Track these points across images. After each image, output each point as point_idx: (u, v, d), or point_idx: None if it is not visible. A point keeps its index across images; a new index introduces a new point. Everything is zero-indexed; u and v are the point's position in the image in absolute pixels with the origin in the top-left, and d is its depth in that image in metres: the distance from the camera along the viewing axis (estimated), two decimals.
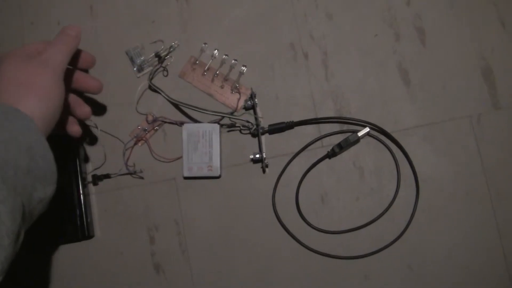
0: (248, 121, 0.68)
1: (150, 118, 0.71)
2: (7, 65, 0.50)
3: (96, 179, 0.70)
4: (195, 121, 0.70)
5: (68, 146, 0.68)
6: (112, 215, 0.71)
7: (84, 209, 0.69)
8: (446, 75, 0.70)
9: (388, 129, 0.68)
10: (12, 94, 0.48)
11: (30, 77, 0.49)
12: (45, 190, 0.46)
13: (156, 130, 0.71)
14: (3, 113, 0.45)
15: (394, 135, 0.68)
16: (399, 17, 0.71)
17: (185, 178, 0.70)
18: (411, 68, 0.70)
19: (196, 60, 0.71)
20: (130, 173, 0.69)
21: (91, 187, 0.71)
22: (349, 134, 0.68)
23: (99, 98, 0.73)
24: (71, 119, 0.61)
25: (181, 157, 0.69)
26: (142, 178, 0.70)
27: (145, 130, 0.71)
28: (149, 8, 0.75)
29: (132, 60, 0.73)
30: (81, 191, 0.68)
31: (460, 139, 0.68)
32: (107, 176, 0.70)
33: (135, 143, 0.70)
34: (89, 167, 0.72)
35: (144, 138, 0.70)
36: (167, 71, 0.72)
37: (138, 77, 0.73)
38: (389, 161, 0.68)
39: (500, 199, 0.67)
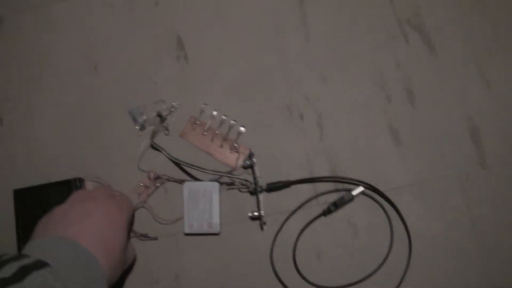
0: (246, 180, 0.75)
1: (152, 176, 0.79)
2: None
3: None
4: (196, 179, 0.78)
5: None
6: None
7: None
8: (435, 135, 0.77)
9: (380, 187, 0.75)
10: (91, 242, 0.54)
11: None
12: None
13: (158, 187, 0.79)
14: (86, 259, 0.51)
15: (386, 193, 0.74)
16: (390, 79, 0.79)
17: (186, 234, 0.77)
18: (402, 128, 0.77)
19: (196, 120, 0.79)
20: (143, 236, 0.77)
21: None
22: (344, 192, 0.75)
23: (103, 154, 0.81)
24: None
25: (181, 219, 0.77)
26: (156, 239, 0.78)
27: (147, 187, 0.79)
28: (151, 69, 0.83)
29: (134, 119, 0.81)
30: None
31: (450, 197, 0.75)
32: None
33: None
34: None
35: (144, 201, 0.78)
36: (168, 130, 0.80)
37: (140, 135, 0.81)
38: (382, 218, 0.75)
39: (489, 255, 0.73)
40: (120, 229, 0.60)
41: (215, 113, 0.79)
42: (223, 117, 0.79)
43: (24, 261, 0.45)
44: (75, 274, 0.48)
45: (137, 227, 0.78)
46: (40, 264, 0.46)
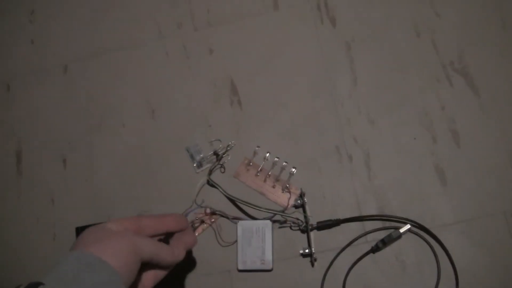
0: (297, 219, 0.81)
1: (208, 211, 0.85)
2: (82, 239, 0.56)
3: None
4: (249, 216, 0.84)
5: None
6: None
7: None
8: (480, 173, 0.81)
9: (427, 225, 0.79)
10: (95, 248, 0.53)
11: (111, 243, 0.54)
12: None
13: (213, 222, 0.86)
14: (89, 264, 0.50)
15: (433, 230, 0.79)
16: (435, 121, 0.84)
17: (239, 271, 0.82)
18: (447, 167, 0.82)
19: (250, 162, 0.86)
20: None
21: None
22: (392, 230, 0.79)
23: (160, 193, 0.88)
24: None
25: (235, 242, 0.82)
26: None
27: (202, 221, 0.85)
28: (206, 113, 0.90)
29: (192, 157, 0.88)
30: None
31: (496, 233, 0.79)
32: None
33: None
34: None
35: (207, 226, 0.84)
36: (224, 168, 0.87)
37: (197, 173, 0.88)
38: (429, 255, 0.79)
39: None
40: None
41: (267, 155, 0.85)
42: (275, 159, 0.85)
43: None
44: (75, 282, 0.48)
45: (191, 260, 0.84)
46: (31, 286, 0.46)
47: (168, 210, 0.84)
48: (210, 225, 0.84)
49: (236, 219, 0.82)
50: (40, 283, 0.48)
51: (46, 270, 0.51)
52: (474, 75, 0.84)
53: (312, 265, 0.81)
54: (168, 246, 0.64)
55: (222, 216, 0.83)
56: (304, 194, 0.80)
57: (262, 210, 0.79)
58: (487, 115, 0.83)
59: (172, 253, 0.63)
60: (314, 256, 0.79)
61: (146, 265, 0.61)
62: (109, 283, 0.51)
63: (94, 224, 0.67)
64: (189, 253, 0.82)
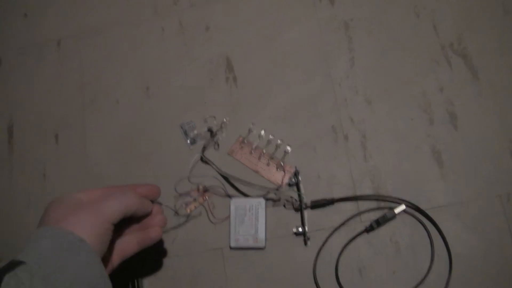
0: (291, 197, 0.81)
1: (201, 188, 0.85)
2: (52, 212, 0.57)
3: None
4: (242, 194, 0.85)
5: None
6: (162, 281, 0.83)
7: (136, 278, 0.82)
8: (476, 156, 0.82)
9: (422, 206, 0.80)
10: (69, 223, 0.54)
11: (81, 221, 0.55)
12: None
13: (205, 200, 0.86)
14: (69, 243, 0.51)
15: (428, 212, 0.79)
16: (433, 103, 0.85)
17: (232, 248, 0.82)
18: (444, 150, 0.82)
19: (244, 139, 0.86)
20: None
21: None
22: (386, 210, 0.81)
23: (153, 169, 0.88)
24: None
25: (227, 217, 0.83)
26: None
27: (195, 199, 0.85)
28: (201, 90, 0.90)
29: (185, 133, 0.88)
30: None
31: (491, 217, 0.79)
32: None
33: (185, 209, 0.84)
34: None
35: (199, 204, 0.85)
36: (218, 145, 0.88)
37: (190, 149, 0.88)
38: (424, 237, 0.80)
39: None
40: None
41: (262, 132, 0.85)
42: (270, 136, 0.85)
43: None
44: (58, 262, 0.49)
45: (183, 238, 0.85)
46: (13, 265, 0.47)
47: (161, 187, 0.83)
48: (202, 204, 0.85)
49: (229, 196, 0.83)
50: (21, 262, 0.49)
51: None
52: (473, 58, 0.85)
53: (305, 244, 0.81)
54: (136, 194, 0.65)
55: (214, 193, 0.84)
56: (298, 173, 0.81)
57: (255, 188, 0.79)
58: (485, 98, 0.83)
59: (143, 202, 0.65)
60: (308, 235, 0.80)
61: (117, 234, 0.63)
62: (89, 263, 0.52)
63: None
64: (180, 231, 0.84)
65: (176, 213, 0.83)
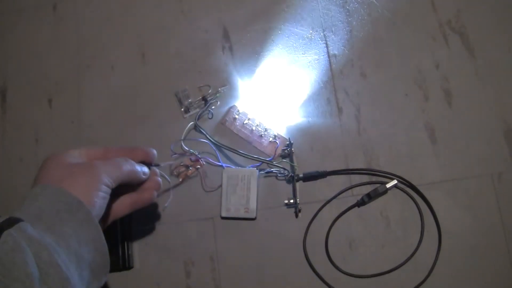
0: (284, 168, 0.82)
1: (193, 157, 0.85)
2: (49, 170, 0.57)
3: None
4: (235, 164, 0.86)
5: None
6: (152, 249, 0.84)
7: (126, 241, 0.82)
8: (470, 134, 0.82)
9: (414, 182, 0.80)
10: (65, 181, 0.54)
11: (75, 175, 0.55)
12: (99, 282, 0.53)
13: (197, 169, 0.86)
14: (67, 203, 0.51)
15: (419, 188, 0.80)
16: (428, 79, 0.85)
17: (223, 218, 0.83)
18: (437, 126, 0.83)
19: (238, 109, 0.87)
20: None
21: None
22: (378, 185, 0.81)
23: (147, 135, 0.88)
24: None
25: (219, 187, 0.83)
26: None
27: (187, 167, 0.85)
28: (197, 58, 0.90)
29: (180, 101, 0.87)
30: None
31: (482, 195, 0.80)
32: None
33: (179, 180, 0.85)
34: None
35: (186, 175, 0.85)
36: (212, 114, 0.88)
37: (184, 117, 0.88)
38: (414, 213, 0.81)
39: None
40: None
41: (257, 103, 0.86)
42: (265, 107, 0.85)
43: None
44: (57, 217, 0.50)
45: (174, 206, 0.85)
46: (11, 222, 0.47)
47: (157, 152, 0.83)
48: (194, 171, 0.85)
49: (221, 166, 0.83)
50: (20, 219, 0.49)
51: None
52: (470, 36, 0.85)
53: (296, 215, 0.82)
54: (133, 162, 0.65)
55: (207, 162, 0.84)
56: (292, 144, 0.80)
57: (248, 158, 0.80)
58: (480, 77, 0.84)
59: (140, 172, 0.65)
60: (299, 207, 0.80)
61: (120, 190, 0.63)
62: (87, 223, 0.53)
63: None
64: (172, 200, 0.85)
65: (168, 181, 0.84)
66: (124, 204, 0.66)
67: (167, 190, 0.83)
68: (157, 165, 0.72)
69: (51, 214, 0.52)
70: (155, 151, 0.70)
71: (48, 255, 0.47)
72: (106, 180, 0.58)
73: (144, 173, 0.65)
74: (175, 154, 0.83)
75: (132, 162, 0.64)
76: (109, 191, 0.59)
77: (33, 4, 0.97)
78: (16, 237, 0.46)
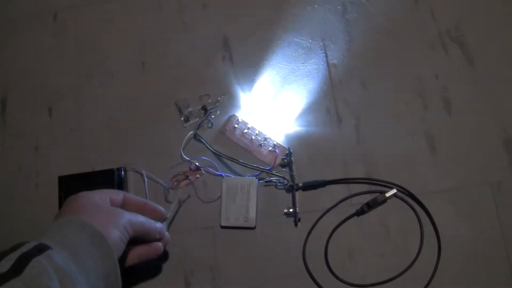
0: (284, 178, 0.82)
1: (193, 166, 0.85)
2: (73, 207, 0.61)
3: None
4: (234, 173, 0.86)
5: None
6: None
7: None
8: (469, 143, 0.82)
9: (413, 191, 0.80)
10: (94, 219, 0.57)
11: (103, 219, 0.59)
12: None
13: (197, 178, 0.86)
14: (90, 236, 0.54)
15: (419, 197, 0.80)
16: (428, 88, 0.85)
17: (222, 227, 0.82)
18: (437, 135, 0.83)
19: (238, 119, 0.87)
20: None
21: None
22: (377, 194, 0.81)
23: (147, 145, 0.89)
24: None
25: (219, 197, 0.83)
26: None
27: (187, 176, 0.86)
28: (197, 68, 0.90)
29: (180, 111, 0.87)
30: None
31: (481, 204, 0.80)
32: None
33: (176, 186, 0.85)
34: None
35: (185, 184, 0.85)
36: (212, 123, 0.88)
37: (184, 127, 0.88)
38: (414, 222, 0.81)
39: None
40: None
41: (256, 112, 0.86)
42: (264, 116, 0.86)
43: (24, 248, 0.48)
44: (80, 251, 0.52)
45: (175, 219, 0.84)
46: (40, 248, 0.49)
47: (154, 163, 0.86)
48: (192, 182, 0.85)
49: (221, 175, 0.83)
50: (48, 247, 0.51)
51: (38, 226, 0.53)
52: (470, 45, 0.86)
53: (296, 225, 0.82)
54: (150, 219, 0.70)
55: (207, 172, 0.84)
56: (291, 153, 0.81)
57: (248, 167, 0.80)
58: (480, 86, 0.84)
59: (156, 227, 0.70)
60: (298, 216, 0.80)
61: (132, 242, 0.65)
62: (107, 258, 0.55)
63: (80, 174, 0.68)
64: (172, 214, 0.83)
65: (168, 190, 0.84)
66: (132, 255, 0.68)
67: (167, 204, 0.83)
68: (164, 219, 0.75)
69: (75, 243, 0.54)
70: (164, 211, 0.75)
71: (72, 284, 0.49)
72: (128, 227, 0.61)
73: (159, 233, 0.70)
74: (173, 170, 0.84)
75: (152, 221, 0.68)
76: (128, 238, 0.61)
77: (34, 13, 0.97)
78: (45, 264, 0.47)
